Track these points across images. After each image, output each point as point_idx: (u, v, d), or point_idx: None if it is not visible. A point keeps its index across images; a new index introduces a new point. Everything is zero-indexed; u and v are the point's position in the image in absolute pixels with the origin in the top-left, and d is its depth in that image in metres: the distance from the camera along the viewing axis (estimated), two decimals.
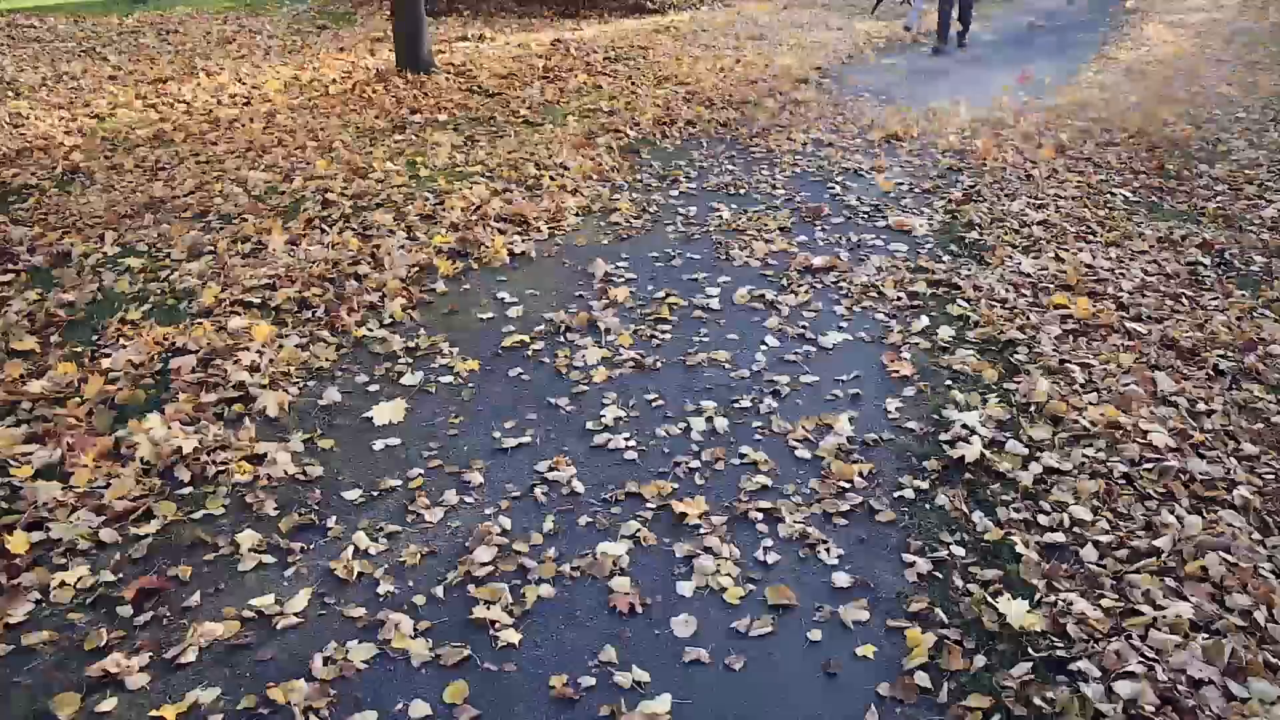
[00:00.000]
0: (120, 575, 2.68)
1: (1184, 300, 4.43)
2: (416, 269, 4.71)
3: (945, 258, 4.96)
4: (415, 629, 2.49)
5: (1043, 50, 11.48)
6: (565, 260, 4.94)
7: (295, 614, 2.53)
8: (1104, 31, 12.90)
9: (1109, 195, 5.87)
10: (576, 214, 5.58)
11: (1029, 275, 4.65)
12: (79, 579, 2.65)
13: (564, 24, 13.55)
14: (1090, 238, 5.17)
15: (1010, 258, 4.88)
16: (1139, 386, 3.59)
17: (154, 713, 2.22)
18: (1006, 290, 4.49)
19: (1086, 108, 8.17)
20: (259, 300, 4.33)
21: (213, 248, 4.94)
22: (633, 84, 9.17)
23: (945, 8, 10.72)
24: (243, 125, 7.53)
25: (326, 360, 3.89)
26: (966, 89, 9.07)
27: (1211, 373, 3.78)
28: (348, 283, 4.51)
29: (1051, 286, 4.53)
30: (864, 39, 12.15)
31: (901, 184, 6.20)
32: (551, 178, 6.16)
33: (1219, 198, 5.79)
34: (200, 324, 4.06)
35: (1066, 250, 4.92)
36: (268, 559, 2.76)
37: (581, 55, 10.70)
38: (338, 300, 4.35)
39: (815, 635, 2.47)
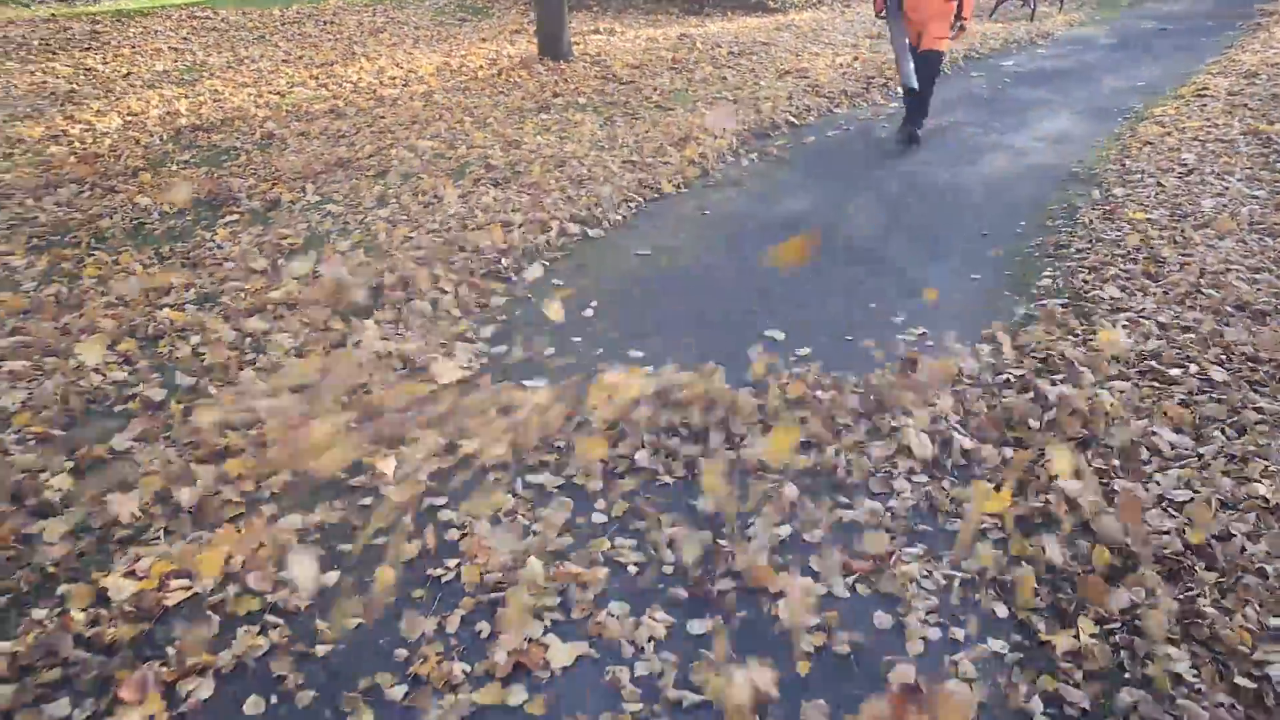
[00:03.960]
0: None
1: (1266, 274, 4.80)
2: (569, 219, 5.47)
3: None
4: None
5: (1158, 53, 11.60)
6: (696, 219, 5.62)
7: None
8: (1231, 34, 12.87)
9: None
10: (706, 184, 6.27)
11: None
12: None
13: (689, 21, 14.28)
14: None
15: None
16: (1208, 339, 4.05)
17: None
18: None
19: None
20: (441, 240, 5.15)
21: (396, 199, 5.82)
22: (755, 76, 9.80)
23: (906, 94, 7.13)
24: (404, 103, 8.49)
25: (499, 283, 4.69)
26: None
27: (1278, 331, 4.19)
28: (515, 228, 5.30)
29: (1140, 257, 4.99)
30: (979, 40, 12.47)
31: None
32: (679, 156, 6.86)
33: None
34: (396, 254, 4.90)
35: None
36: None
37: (707, 49, 11.40)
38: (505, 241, 5.14)
39: None
